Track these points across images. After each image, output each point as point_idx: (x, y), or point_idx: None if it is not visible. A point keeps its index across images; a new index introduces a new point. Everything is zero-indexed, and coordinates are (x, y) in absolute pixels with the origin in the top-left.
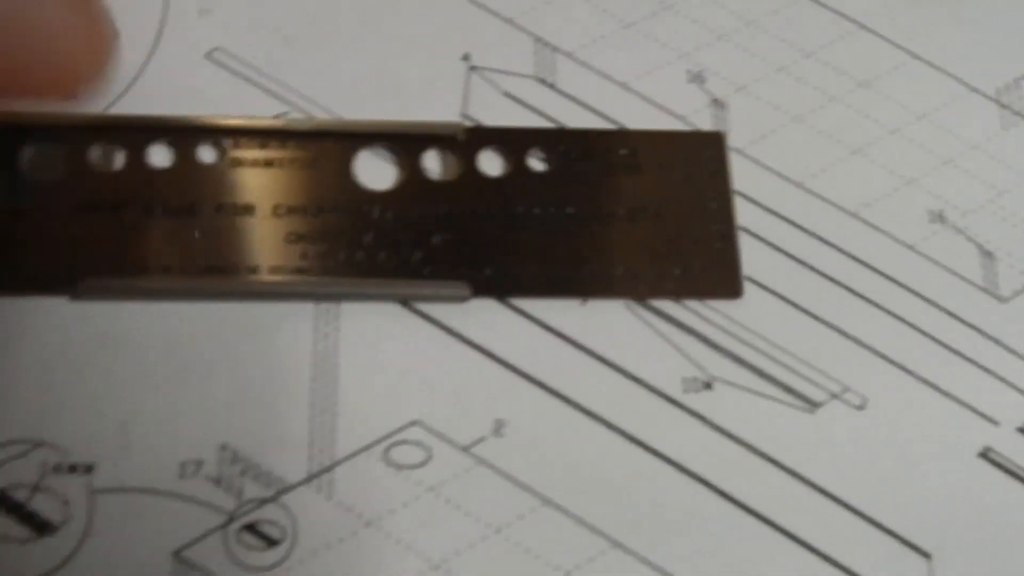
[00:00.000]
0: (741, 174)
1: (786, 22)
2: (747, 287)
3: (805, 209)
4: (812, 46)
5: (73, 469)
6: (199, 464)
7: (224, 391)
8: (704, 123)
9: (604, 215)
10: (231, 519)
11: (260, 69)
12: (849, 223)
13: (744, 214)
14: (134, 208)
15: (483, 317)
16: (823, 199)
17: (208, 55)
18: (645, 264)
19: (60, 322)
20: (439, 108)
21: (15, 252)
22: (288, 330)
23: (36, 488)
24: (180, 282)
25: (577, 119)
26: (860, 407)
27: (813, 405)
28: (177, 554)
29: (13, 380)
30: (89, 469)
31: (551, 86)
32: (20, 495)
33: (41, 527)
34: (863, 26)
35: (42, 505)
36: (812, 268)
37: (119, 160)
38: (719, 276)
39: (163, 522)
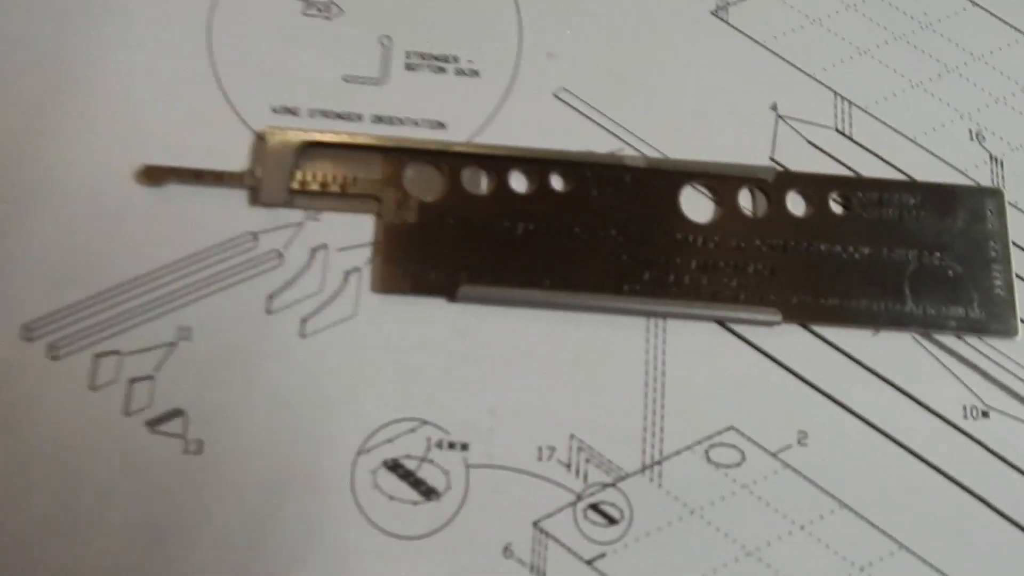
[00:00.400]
0: (1017, 226)
1: None
2: (1022, 328)
3: None
4: None
5: (452, 446)
6: (552, 449)
7: (572, 388)
8: (983, 178)
9: (895, 257)
10: (579, 498)
11: (598, 107)
12: None
13: (1020, 262)
14: (500, 226)
15: (790, 340)
16: None
17: (555, 94)
18: (932, 302)
19: (441, 320)
20: (750, 150)
21: (406, 259)
22: (623, 340)
23: (423, 459)
24: (539, 293)
25: (870, 167)
26: None
27: None
28: (536, 524)
29: (403, 366)
30: (465, 447)
31: (848, 137)
32: (411, 464)
33: (428, 492)
34: None
35: (428, 474)
36: None
37: (485, 184)
38: (998, 316)
39: (524, 496)
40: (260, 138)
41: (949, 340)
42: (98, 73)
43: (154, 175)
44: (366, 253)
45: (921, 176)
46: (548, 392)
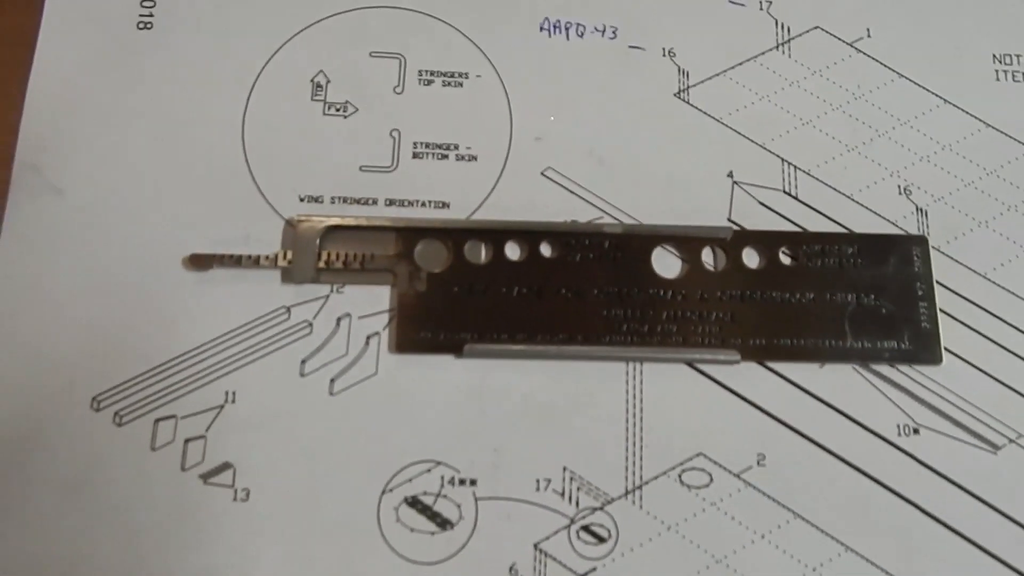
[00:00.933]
0: (940, 267)
1: (973, 147)
2: (946, 356)
3: (990, 295)
4: (994, 165)
5: (463, 482)
6: (549, 480)
7: (564, 428)
8: (911, 227)
9: (837, 300)
10: (572, 521)
11: (579, 182)
12: (1023, 306)
13: (943, 299)
14: (498, 291)
15: (749, 376)
16: (1003, 287)
17: (543, 172)
18: (869, 337)
19: (450, 374)
20: (711, 213)
21: (419, 323)
22: (607, 383)
23: (439, 495)
24: (532, 347)
25: (814, 222)
26: None
27: (995, 448)
28: (536, 545)
29: (418, 416)
30: (474, 482)
31: (794, 197)
32: (428, 500)
33: (443, 523)
34: None
35: (443, 507)
36: (995, 341)
37: (484, 254)
38: (925, 347)
39: (525, 522)
40: (290, 224)
41: (884, 369)
42: (146, 170)
43: (200, 262)
44: (384, 319)
45: (858, 228)
46: (544, 431)
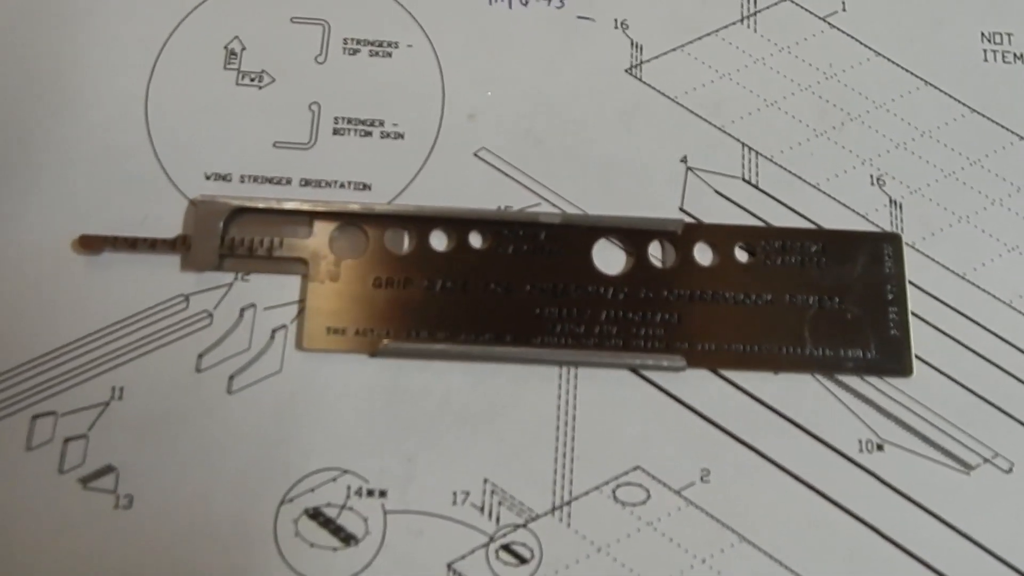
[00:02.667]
0: (913, 266)
1: (955, 133)
2: (916, 365)
3: (968, 298)
4: (978, 154)
5: (371, 493)
6: (467, 494)
7: (487, 435)
8: (883, 221)
9: (797, 302)
10: (491, 539)
11: (516, 165)
12: (1005, 311)
13: (915, 301)
14: (420, 284)
15: (696, 383)
16: (983, 289)
17: (476, 153)
18: (831, 345)
19: (363, 374)
20: (661, 202)
21: (330, 317)
22: (537, 389)
23: (343, 507)
24: (454, 346)
25: (776, 215)
26: (1008, 471)
27: (968, 467)
28: (450, 566)
29: (325, 419)
30: (383, 494)
31: (755, 186)
32: (331, 512)
33: (347, 539)
34: (1022, 137)
35: (348, 521)
36: (972, 350)
37: (407, 243)
38: (893, 356)
39: (439, 539)
40: (193, 205)
41: (847, 377)
42: (36, 144)
43: (91, 244)
44: (292, 312)
45: (824, 221)
46: (464, 440)
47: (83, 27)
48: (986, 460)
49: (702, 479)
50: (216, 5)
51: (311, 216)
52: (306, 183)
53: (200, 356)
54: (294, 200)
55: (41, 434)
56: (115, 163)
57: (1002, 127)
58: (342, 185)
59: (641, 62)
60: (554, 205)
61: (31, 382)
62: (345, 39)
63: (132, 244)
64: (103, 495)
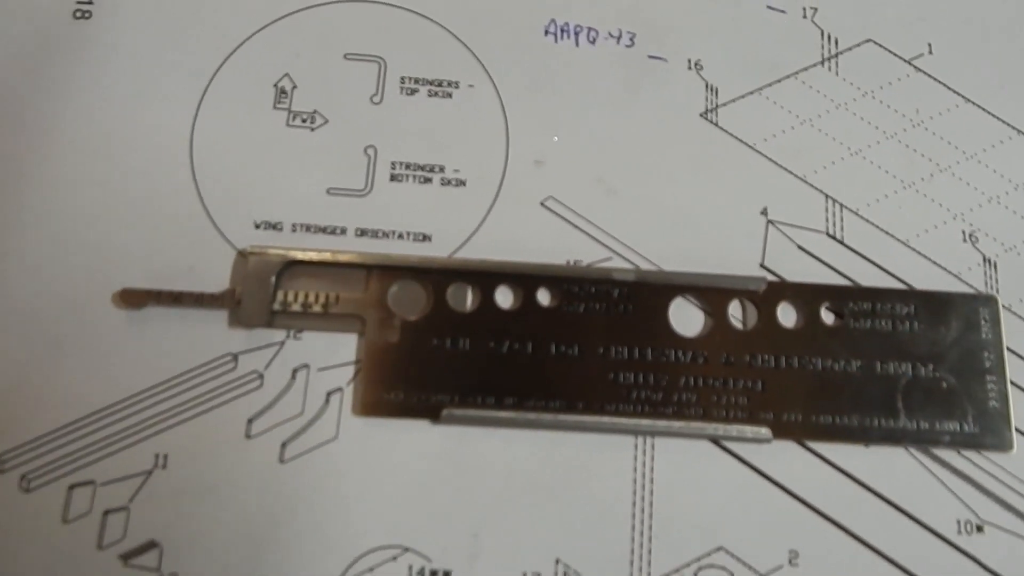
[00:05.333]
0: (1011, 331)
1: None
2: (1017, 440)
3: None
4: None
5: (434, 574)
6: (538, 574)
7: (558, 511)
8: (976, 280)
9: (888, 370)
10: None
11: (585, 216)
12: None
13: (1015, 370)
14: (485, 345)
15: (782, 456)
16: None
17: (542, 203)
18: (925, 416)
19: (424, 442)
20: (740, 257)
21: (388, 380)
22: (611, 459)
23: None
24: (522, 414)
25: (861, 272)
26: None
27: None
28: None
29: (384, 492)
30: (448, 575)
31: (840, 241)
32: None
33: None
34: None
35: None
36: None
37: (470, 300)
38: (992, 430)
39: None
40: (242, 256)
41: (943, 453)
42: (74, 190)
43: (132, 299)
44: (348, 373)
45: (913, 280)
46: (534, 514)
47: (125, 64)
48: None
49: (790, 562)
50: (265, 39)
51: (368, 269)
52: (362, 233)
53: (250, 421)
54: (349, 252)
55: (79, 506)
56: (158, 210)
57: None
58: (400, 236)
59: (717, 106)
60: (626, 259)
61: (68, 448)
62: (403, 78)
63: (177, 298)
64: (145, 573)
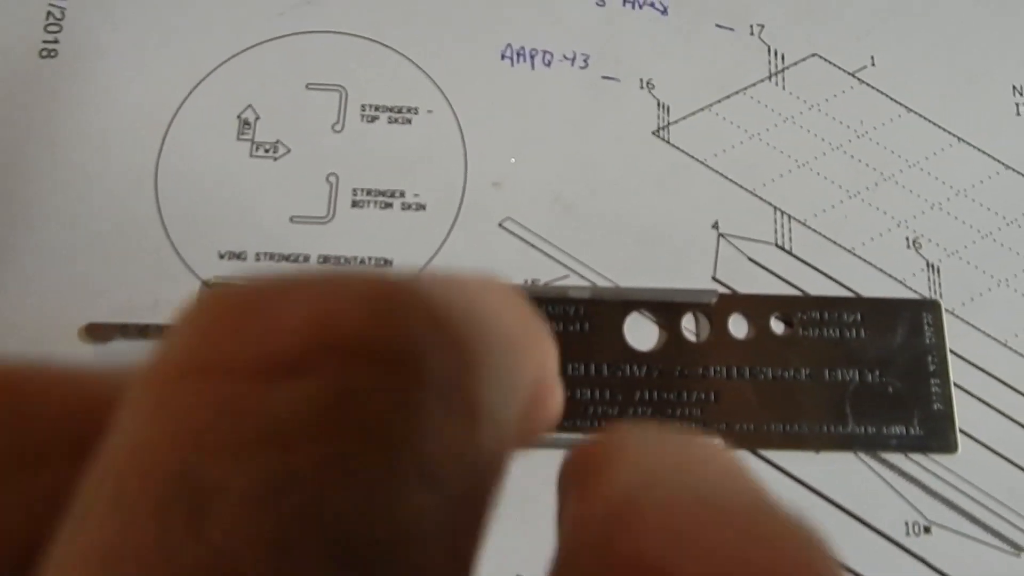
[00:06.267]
0: (954, 334)
1: (991, 192)
2: (962, 441)
3: (1012, 367)
4: (1015, 213)
5: None
6: None
7: (519, 528)
8: (920, 285)
9: (837, 377)
10: None
11: (543, 235)
12: None
13: (958, 372)
14: None
15: None
16: None
17: (501, 223)
18: (873, 421)
19: None
20: (692, 271)
21: None
22: None
23: None
24: None
25: (809, 281)
26: None
27: (1019, 549)
28: None
29: None
30: None
31: (788, 251)
32: None
33: None
34: None
35: None
36: (1019, 423)
37: None
38: (937, 432)
39: None
40: (206, 287)
41: (891, 456)
42: (39, 223)
43: (98, 333)
44: None
45: (860, 287)
46: (495, 531)
47: (90, 96)
48: None
49: None
50: (228, 72)
51: None
52: (325, 259)
53: None
54: None
55: None
56: (124, 242)
57: None
58: (362, 261)
59: (668, 123)
60: (583, 276)
61: None
62: (363, 105)
63: (143, 331)
64: None
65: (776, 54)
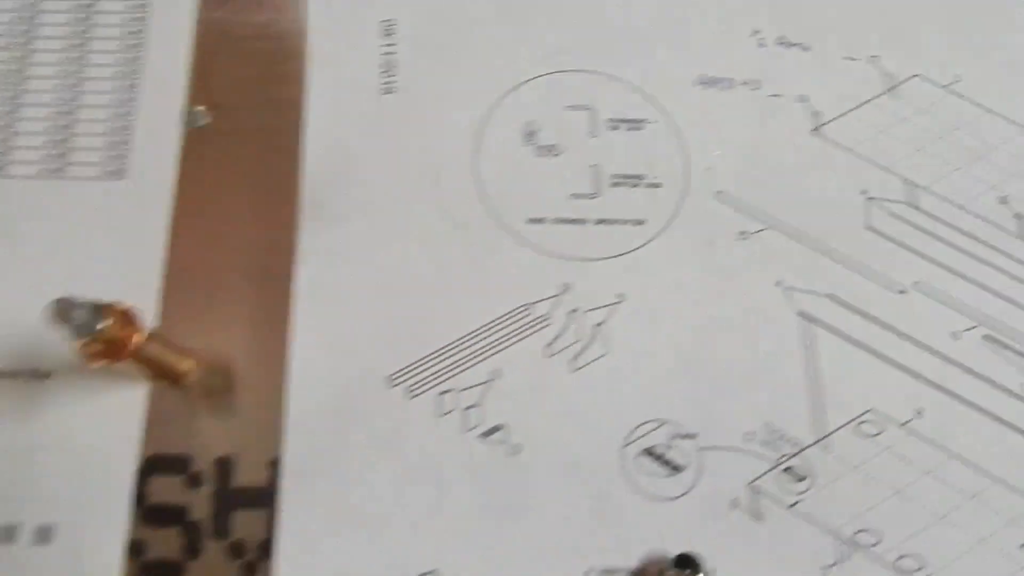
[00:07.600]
0: None
1: None
2: None
3: None
4: None
5: (686, 436)
6: (753, 434)
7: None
8: None
9: None
10: (776, 465)
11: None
12: None
13: None
14: None
15: None
16: None
17: (714, 197)
18: None
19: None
20: None
21: None
22: None
23: (667, 447)
24: None
25: None
26: None
27: None
28: (751, 484)
29: (647, 386)
30: (695, 436)
31: None
32: (659, 450)
33: (675, 468)
34: None
35: (674, 455)
36: None
37: None
38: None
39: (739, 466)
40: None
41: None
42: (399, 202)
43: None
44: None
45: None
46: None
47: (420, 114)
48: None
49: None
50: (515, 98)
51: None
52: (600, 222)
53: (547, 346)
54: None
55: (447, 405)
56: (446, 215)
57: None
58: (623, 222)
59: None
60: None
61: (434, 368)
62: (608, 119)
63: None
64: (498, 445)
65: None
